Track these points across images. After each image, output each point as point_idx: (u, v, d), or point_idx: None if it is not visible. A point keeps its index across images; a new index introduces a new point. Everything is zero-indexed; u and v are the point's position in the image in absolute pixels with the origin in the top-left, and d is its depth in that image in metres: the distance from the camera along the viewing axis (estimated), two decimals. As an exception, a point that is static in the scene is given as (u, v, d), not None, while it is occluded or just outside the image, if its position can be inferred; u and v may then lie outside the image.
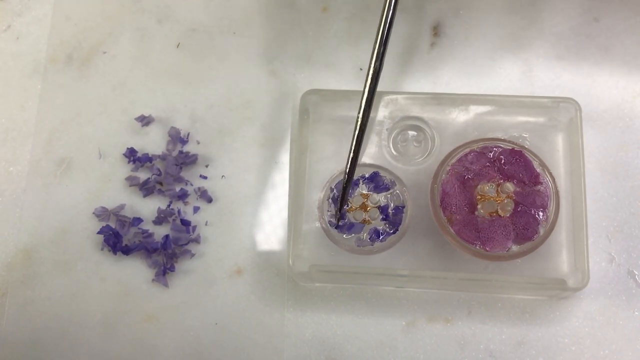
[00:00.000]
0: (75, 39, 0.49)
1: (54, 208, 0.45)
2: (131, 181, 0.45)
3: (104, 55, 0.49)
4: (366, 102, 0.40)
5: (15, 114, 0.48)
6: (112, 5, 0.50)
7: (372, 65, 0.40)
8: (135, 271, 0.44)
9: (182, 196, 0.45)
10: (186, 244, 0.44)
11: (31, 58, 0.49)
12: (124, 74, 0.48)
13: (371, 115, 0.44)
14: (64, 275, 0.44)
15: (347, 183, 0.40)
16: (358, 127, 0.40)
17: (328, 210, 0.41)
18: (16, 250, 0.45)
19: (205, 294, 0.43)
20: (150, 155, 0.45)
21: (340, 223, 0.41)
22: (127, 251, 0.44)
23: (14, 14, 0.50)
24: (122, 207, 0.45)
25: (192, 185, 0.45)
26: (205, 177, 0.45)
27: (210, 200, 0.45)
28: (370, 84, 0.40)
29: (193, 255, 0.44)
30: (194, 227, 0.44)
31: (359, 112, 0.40)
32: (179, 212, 0.44)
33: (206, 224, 0.44)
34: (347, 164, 0.40)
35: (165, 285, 0.43)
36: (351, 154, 0.40)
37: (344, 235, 0.41)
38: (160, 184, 0.45)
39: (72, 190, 0.46)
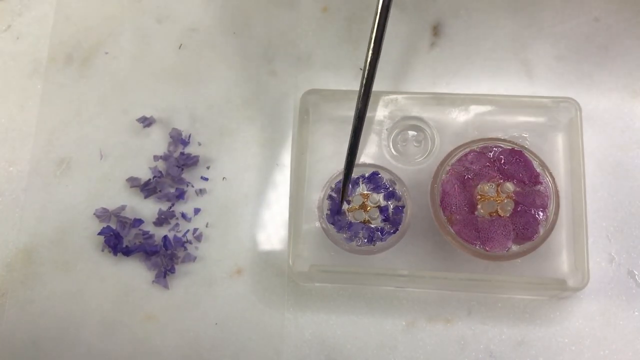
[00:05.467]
0: (75, 39, 0.49)
1: (54, 208, 0.45)
2: (132, 182, 0.45)
3: (104, 55, 0.49)
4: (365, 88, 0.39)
5: (15, 114, 0.48)
6: (112, 5, 0.50)
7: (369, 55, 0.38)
8: (135, 272, 0.44)
9: (183, 197, 0.45)
10: (186, 248, 0.44)
11: (31, 58, 0.49)
12: (124, 74, 0.48)
13: (371, 115, 0.44)
14: (64, 275, 0.44)
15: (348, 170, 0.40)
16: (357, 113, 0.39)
17: (328, 210, 0.41)
18: (16, 250, 0.45)
19: (205, 294, 0.43)
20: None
21: (340, 213, 0.41)
22: (127, 252, 0.44)
23: (14, 14, 0.50)
24: (122, 208, 0.45)
25: (193, 186, 0.45)
26: (206, 179, 0.45)
27: (210, 202, 0.45)
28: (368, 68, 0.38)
29: (195, 258, 0.44)
30: (195, 229, 0.44)
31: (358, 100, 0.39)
32: (182, 214, 0.44)
33: (207, 226, 0.44)
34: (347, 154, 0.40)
35: (166, 287, 0.43)
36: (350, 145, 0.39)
37: (344, 235, 0.41)
38: (162, 185, 0.45)
39: (72, 190, 0.46)
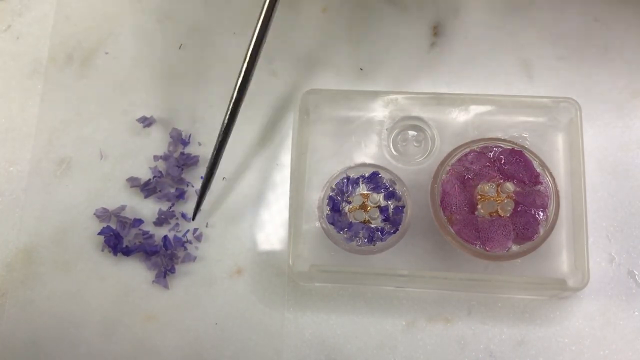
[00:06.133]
0: (76, 39, 0.49)
1: (54, 208, 0.45)
2: (132, 182, 0.45)
3: (104, 55, 0.49)
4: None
5: (16, 114, 0.48)
6: (112, 5, 0.50)
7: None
8: (135, 272, 0.44)
9: (184, 197, 0.45)
10: (186, 248, 0.44)
11: (31, 58, 0.49)
12: (124, 73, 0.48)
13: (371, 115, 0.44)
14: (64, 275, 0.44)
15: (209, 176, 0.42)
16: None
17: (329, 211, 0.41)
18: (16, 250, 0.45)
19: (205, 294, 0.43)
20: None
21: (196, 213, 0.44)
22: (127, 252, 0.44)
23: (14, 14, 0.50)
24: (122, 208, 0.45)
25: (193, 186, 0.45)
26: None
27: (210, 202, 0.45)
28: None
29: (195, 258, 0.44)
30: (195, 229, 0.44)
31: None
32: (182, 214, 0.44)
33: (207, 226, 0.44)
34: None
35: (166, 287, 0.43)
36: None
37: (344, 235, 0.41)
38: (162, 185, 0.45)
39: (72, 190, 0.46)
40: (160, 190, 0.45)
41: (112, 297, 0.44)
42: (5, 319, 0.44)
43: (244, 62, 0.40)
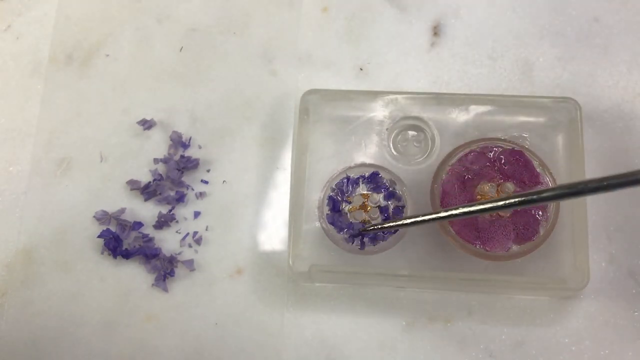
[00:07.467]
0: (76, 39, 0.49)
1: (54, 208, 0.45)
2: (132, 185, 0.45)
3: (104, 55, 0.48)
4: None
5: (16, 114, 0.48)
6: (112, 5, 0.50)
7: None
8: (135, 273, 0.44)
9: (183, 200, 0.45)
10: (187, 249, 0.44)
11: (31, 58, 0.49)
12: (124, 74, 0.48)
13: (371, 115, 0.44)
14: (64, 276, 0.44)
15: None
16: None
17: (329, 211, 0.41)
18: (16, 250, 0.45)
19: (205, 294, 0.43)
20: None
21: None
22: (127, 255, 0.44)
23: (14, 14, 0.50)
24: (122, 211, 0.45)
25: (193, 189, 0.45)
26: (206, 182, 0.45)
27: (210, 205, 0.45)
28: None
29: (194, 261, 0.43)
30: (195, 232, 0.44)
31: None
32: (183, 217, 0.44)
33: (207, 229, 0.44)
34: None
35: (165, 290, 0.43)
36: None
37: (344, 236, 0.41)
38: (162, 188, 0.45)
39: (72, 190, 0.46)
40: (160, 193, 0.45)
41: (112, 297, 0.44)
42: (5, 319, 0.44)
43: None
